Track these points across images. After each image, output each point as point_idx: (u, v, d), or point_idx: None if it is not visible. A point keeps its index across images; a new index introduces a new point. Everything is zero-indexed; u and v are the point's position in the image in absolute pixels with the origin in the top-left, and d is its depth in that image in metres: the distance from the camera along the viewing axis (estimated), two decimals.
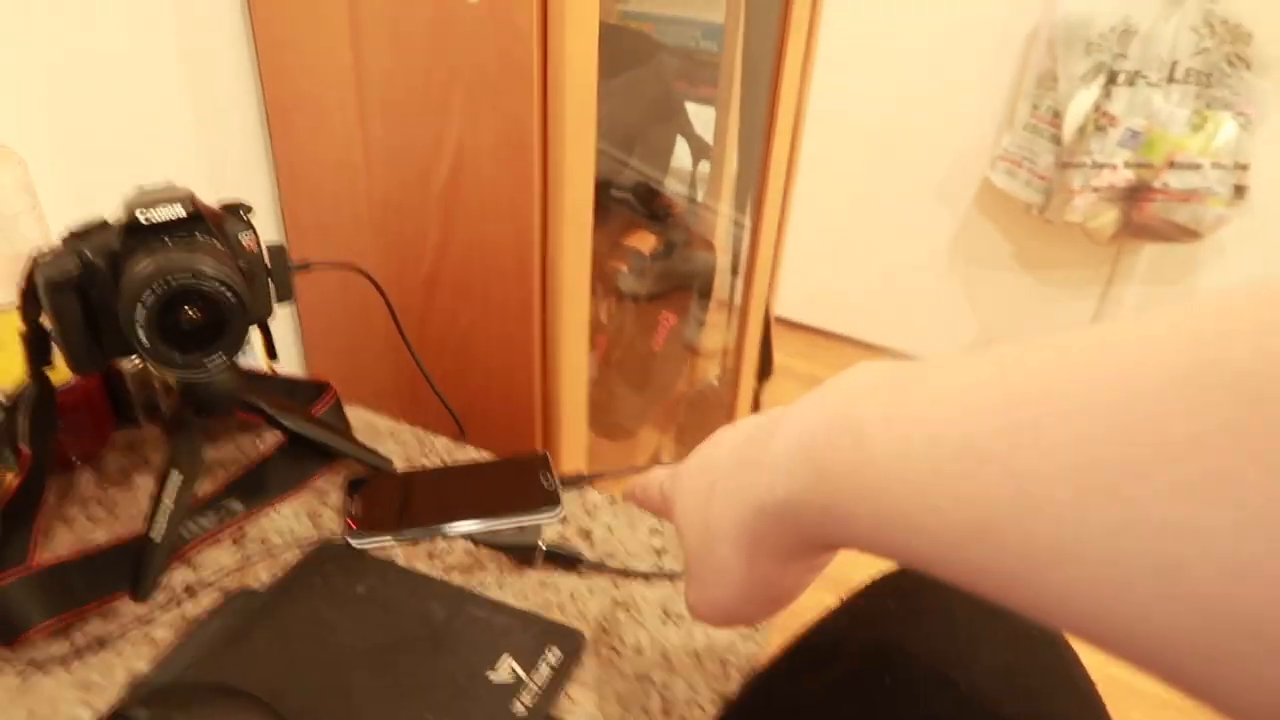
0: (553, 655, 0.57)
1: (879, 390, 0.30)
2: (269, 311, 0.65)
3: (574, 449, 0.99)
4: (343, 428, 0.80)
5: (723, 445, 0.39)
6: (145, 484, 0.74)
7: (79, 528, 0.70)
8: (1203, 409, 0.19)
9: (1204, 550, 0.19)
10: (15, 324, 0.66)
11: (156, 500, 0.65)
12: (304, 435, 0.74)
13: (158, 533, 0.64)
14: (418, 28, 0.80)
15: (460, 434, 0.82)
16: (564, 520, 0.69)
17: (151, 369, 0.75)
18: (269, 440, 0.77)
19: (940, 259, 2.23)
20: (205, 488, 0.71)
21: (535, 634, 0.58)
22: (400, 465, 0.77)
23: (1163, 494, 0.20)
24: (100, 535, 0.69)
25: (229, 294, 0.54)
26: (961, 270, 2.22)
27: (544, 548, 0.64)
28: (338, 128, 0.90)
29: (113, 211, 0.61)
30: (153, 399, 0.79)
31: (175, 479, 0.65)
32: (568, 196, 0.81)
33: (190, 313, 0.54)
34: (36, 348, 0.63)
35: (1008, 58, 1.94)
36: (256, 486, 0.73)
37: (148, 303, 0.53)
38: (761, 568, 0.36)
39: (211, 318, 0.55)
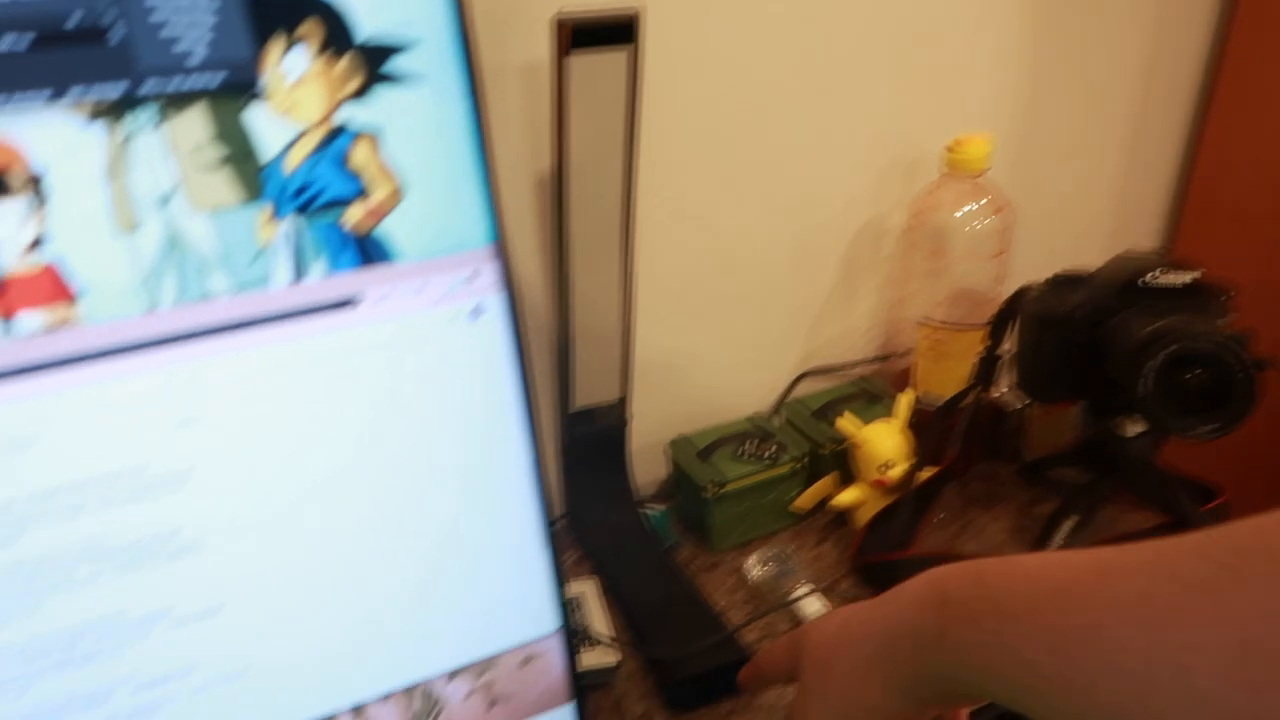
0: None
1: (994, 560, 0.34)
2: None
3: None
4: None
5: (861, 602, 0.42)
6: (1004, 516, 0.75)
7: (946, 532, 0.73)
8: None
9: None
10: (968, 341, 0.72)
11: (1046, 536, 0.65)
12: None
13: None
14: None
15: None
16: None
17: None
18: (1135, 520, 0.73)
19: None
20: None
21: None
22: None
23: None
24: (968, 545, 0.72)
25: (1239, 369, 0.51)
26: None
27: None
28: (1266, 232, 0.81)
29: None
30: (1014, 440, 0.80)
31: (1071, 521, 0.65)
32: None
33: (1192, 377, 0.52)
34: (986, 369, 0.68)
35: None
36: None
37: (1157, 357, 0.52)
38: (871, 692, 0.38)
39: (1215, 387, 0.51)
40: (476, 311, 0.41)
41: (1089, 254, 0.70)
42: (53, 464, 0.35)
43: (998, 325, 0.66)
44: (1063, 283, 0.62)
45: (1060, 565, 0.31)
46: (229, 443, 0.38)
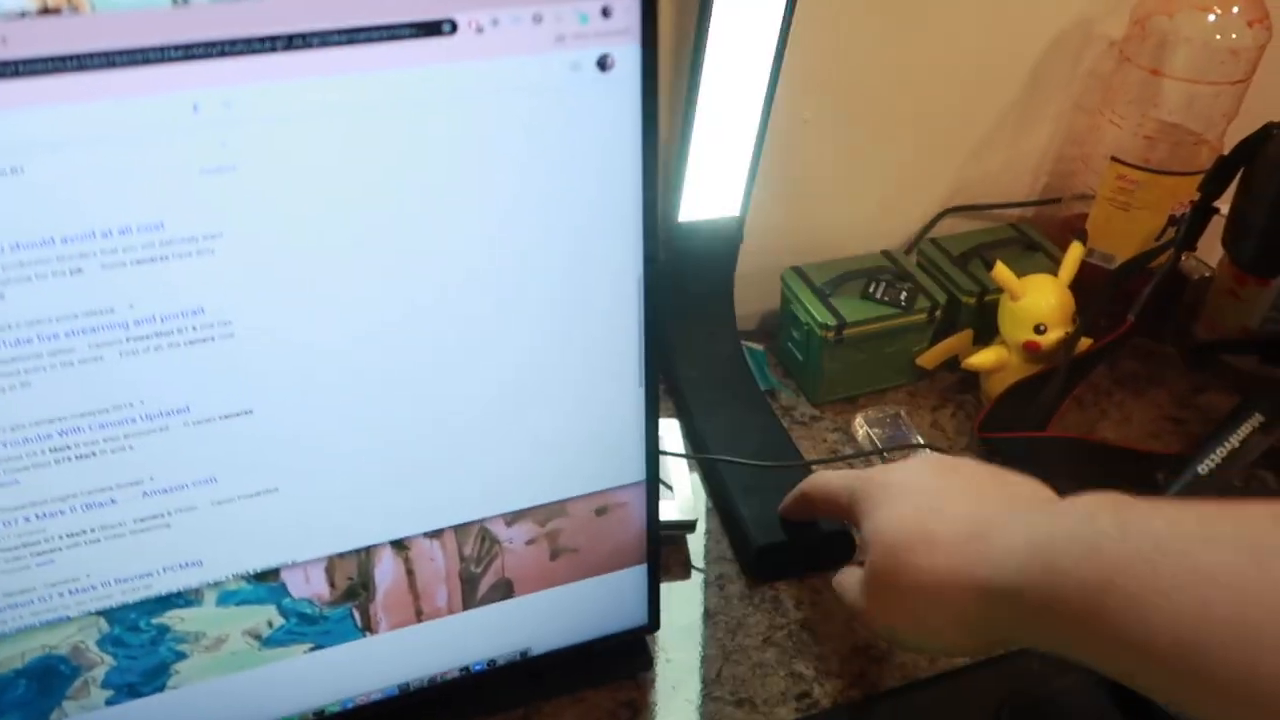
0: None
1: (1118, 508, 0.30)
2: None
3: None
4: None
5: (944, 491, 0.39)
6: (1158, 402, 0.66)
7: (1086, 414, 0.65)
8: None
9: None
10: (1166, 189, 0.61)
11: (1220, 433, 0.57)
12: None
13: (1207, 467, 0.56)
14: None
15: None
16: None
17: None
18: None
19: None
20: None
21: None
22: None
23: None
24: (1108, 432, 0.64)
25: None
26: None
27: None
28: None
29: None
30: (1186, 315, 0.70)
31: (1254, 420, 0.56)
32: None
33: None
34: (1193, 227, 0.57)
35: None
36: None
37: None
38: (946, 632, 0.37)
39: None
40: (604, 64, 0.32)
41: None
42: (44, 205, 0.28)
43: (1224, 169, 0.54)
44: None
45: (1203, 541, 0.27)
46: (269, 203, 0.30)
